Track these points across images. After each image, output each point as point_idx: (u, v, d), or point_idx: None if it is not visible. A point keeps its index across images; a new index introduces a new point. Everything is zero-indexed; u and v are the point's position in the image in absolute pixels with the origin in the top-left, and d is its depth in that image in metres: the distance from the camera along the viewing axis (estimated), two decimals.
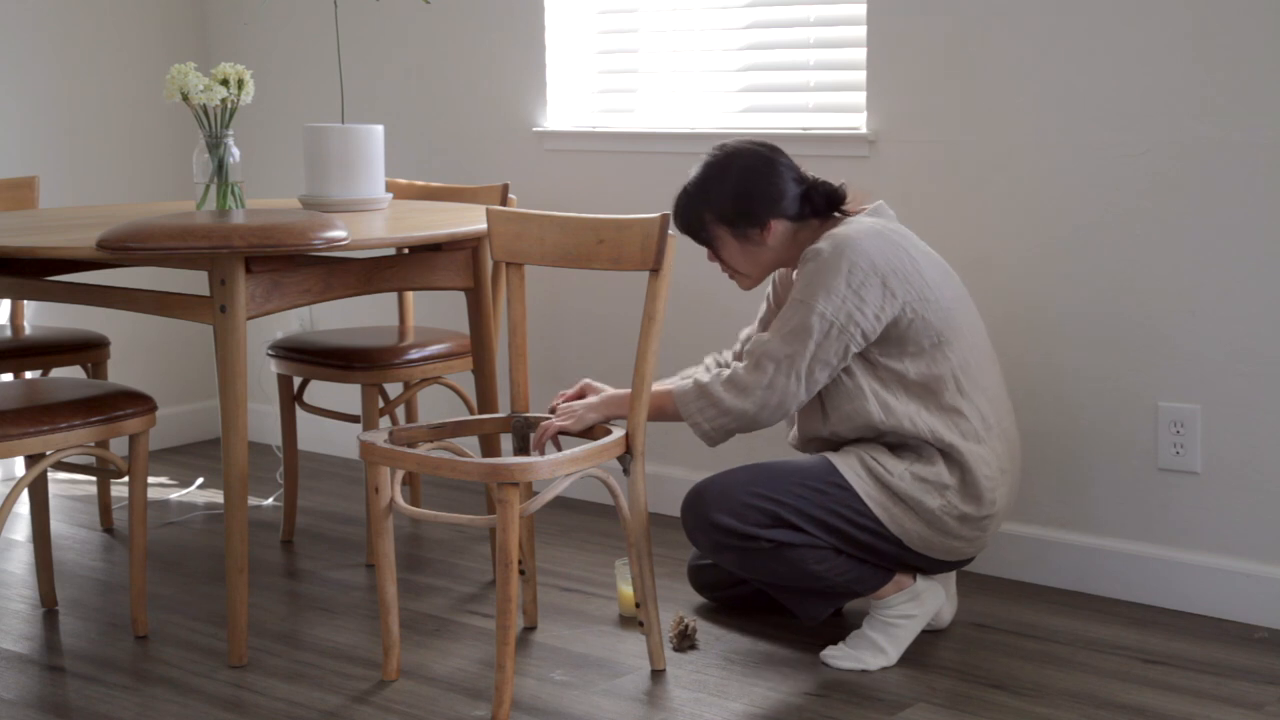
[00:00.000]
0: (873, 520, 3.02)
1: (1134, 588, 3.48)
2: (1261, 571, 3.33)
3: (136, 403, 3.29)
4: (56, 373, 4.06)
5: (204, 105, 3.56)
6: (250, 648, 3.23)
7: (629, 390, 3.07)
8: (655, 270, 2.98)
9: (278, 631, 3.38)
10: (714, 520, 3.03)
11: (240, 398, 3.12)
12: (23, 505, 4.25)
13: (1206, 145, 3.31)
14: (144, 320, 4.17)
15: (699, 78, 4.16)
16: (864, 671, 3.08)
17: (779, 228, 3.14)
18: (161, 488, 4.58)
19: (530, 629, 3.35)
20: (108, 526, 4.18)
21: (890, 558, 3.07)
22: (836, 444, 3.12)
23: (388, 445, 2.98)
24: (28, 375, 4.01)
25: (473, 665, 3.17)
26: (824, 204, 3.15)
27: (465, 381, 4.06)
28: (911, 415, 3.03)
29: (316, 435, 4.83)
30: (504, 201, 3.89)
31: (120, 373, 4.40)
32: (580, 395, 3.22)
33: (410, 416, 4.12)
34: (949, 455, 3.03)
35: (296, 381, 4.03)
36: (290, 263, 3.21)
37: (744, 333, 3.41)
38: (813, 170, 3.24)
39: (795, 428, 3.25)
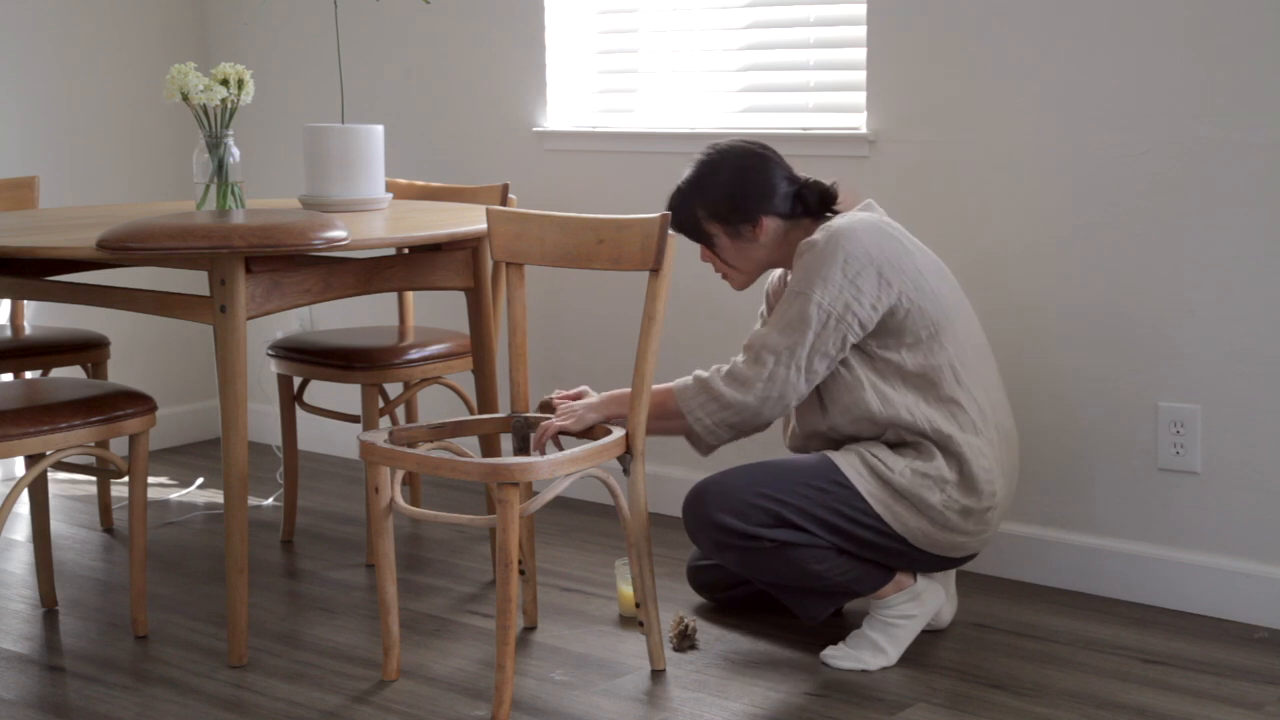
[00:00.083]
0: (875, 518, 3.02)
1: (1134, 588, 3.48)
2: (1261, 571, 3.33)
3: (136, 403, 3.29)
4: (56, 373, 4.06)
5: (204, 105, 3.56)
6: (250, 648, 3.23)
7: (629, 390, 3.07)
8: (655, 270, 2.98)
9: (278, 631, 3.38)
10: (716, 520, 3.03)
11: (240, 398, 3.12)
12: (23, 505, 4.25)
13: (1206, 145, 3.31)
14: (144, 320, 4.17)
15: (699, 78, 4.16)
16: (864, 671, 3.08)
17: (771, 225, 3.16)
18: (161, 488, 4.58)
19: (530, 629, 3.35)
20: (108, 526, 4.18)
21: (894, 554, 3.07)
22: (837, 439, 3.12)
23: (388, 445, 2.98)
24: (28, 375, 4.01)
25: (473, 665, 3.17)
26: (816, 203, 3.17)
27: (465, 381, 4.06)
28: (909, 406, 3.04)
29: (316, 435, 4.83)
30: (504, 201, 3.89)
31: (120, 373, 4.40)
32: (578, 397, 3.22)
33: (410, 416, 4.12)
34: (946, 448, 3.03)
35: (296, 381, 4.03)
36: (290, 263, 3.21)
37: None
38: (812, 170, 3.25)
39: (792, 426, 3.26)
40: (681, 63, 4.19)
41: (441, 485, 4.45)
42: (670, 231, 3.01)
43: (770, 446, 3.55)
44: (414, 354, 3.84)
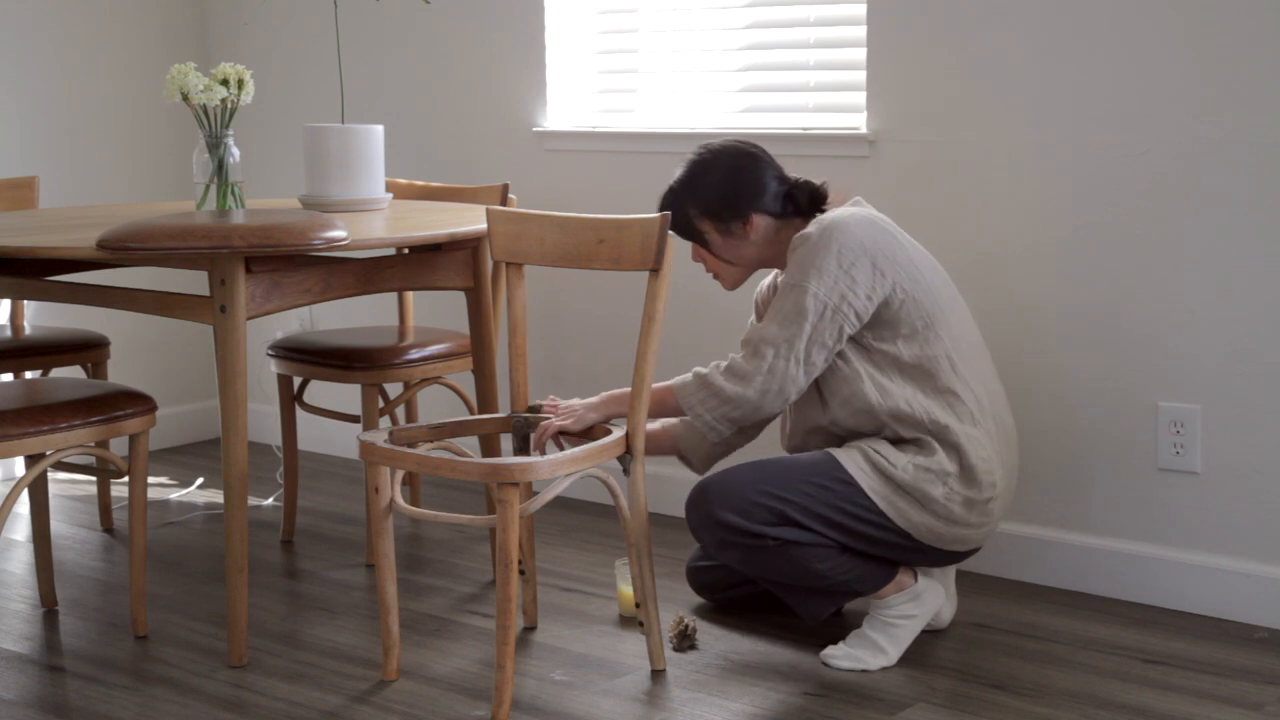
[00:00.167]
0: (879, 515, 3.02)
1: (1134, 588, 3.48)
2: (1261, 571, 3.33)
3: (136, 403, 3.29)
4: (56, 373, 4.05)
5: (204, 105, 3.56)
6: (250, 648, 3.23)
7: (629, 389, 3.07)
8: (655, 270, 2.98)
9: (278, 631, 3.38)
10: (719, 518, 3.03)
11: (240, 398, 3.12)
12: (23, 505, 4.25)
13: (1206, 145, 3.31)
14: (144, 320, 4.17)
15: (699, 78, 4.16)
16: (864, 671, 3.08)
17: (762, 223, 3.18)
18: (161, 488, 4.58)
19: (530, 629, 3.35)
20: (108, 526, 4.18)
21: (899, 549, 3.07)
22: (839, 434, 3.13)
23: (388, 445, 2.98)
24: (28, 375, 4.01)
25: (473, 665, 3.17)
26: (806, 202, 3.20)
27: (465, 381, 4.06)
28: (908, 397, 3.05)
29: (316, 435, 4.83)
30: (504, 201, 3.89)
31: (120, 373, 4.40)
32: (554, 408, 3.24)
33: (410, 416, 4.12)
34: (945, 440, 3.03)
35: (296, 381, 4.03)
36: (290, 263, 3.21)
37: None
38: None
39: (789, 427, 3.26)
40: (681, 63, 4.19)
41: (441, 485, 4.45)
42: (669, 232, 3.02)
43: (771, 446, 3.55)
44: (414, 354, 3.84)
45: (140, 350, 4.88)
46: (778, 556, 3.03)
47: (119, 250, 3.00)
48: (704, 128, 4.06)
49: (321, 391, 4.53)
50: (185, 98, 3.52)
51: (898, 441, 3.07)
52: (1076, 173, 3.48)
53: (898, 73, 3.71)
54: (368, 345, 3.85)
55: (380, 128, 3.73)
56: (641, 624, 3.11)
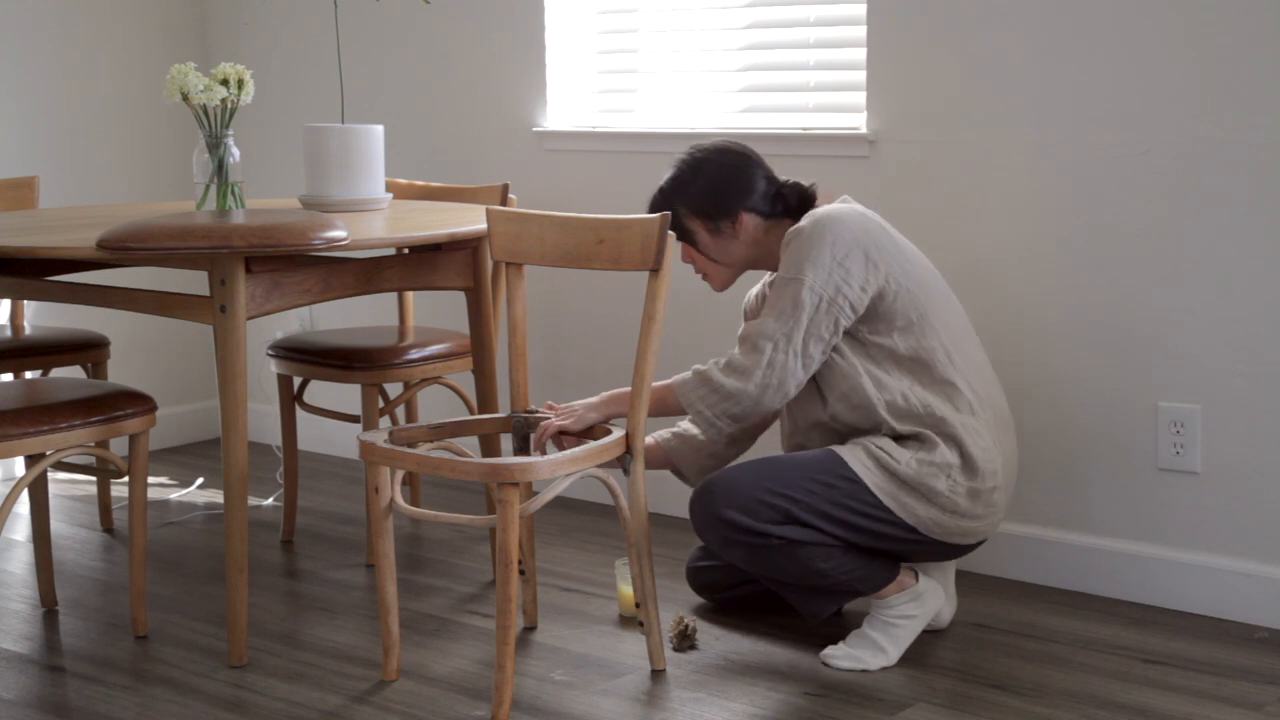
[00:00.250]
0: (884, 511, 3.03)
1: (1134, 588, 3.48)
2: (1261, 571, 3.33)
3: (136, 403, 3.29)
4: (56, 373, 4.06)
5: (204, 105, 3.56)
6: (250, 648, 3.23)
7: (629, 389, 3.07)
8: (655, 270, 2.98)
9: (278, 631, 3.38)
10: (724, 516, 3.03)
11: (240, 398, 3.12)
12: (23, 505, 4.25)
13: (1206, 145, 3.31)
14: (144, 320, 4.17)
15: (699, 78, 4.16)
16: (864, 671, 3.08)
17: (750, 222, 3.20)
18: (161, 488, 4.58)
19: (530, 629, 3.35)
20: (108, 526, 4.18)
21: (905, 544, 3.07)
22: (839, 430, 3.13)
23: (388, 445, 2.98)
24: (28, 375, 4.01)
25: (473, 665, 3.17)
26: (796, 203, 3.22)
27: (465, 381, 4.06)
28: (905, 391, 3.06)
29: (316, 435, 4.83)
30: (504, 201, 3.89)
31: (120, 373, 4.40)
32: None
33: (410, 416, 4.12)
34: (943, 432, 3.04)
35: (296, 381, 4.03)
36: (290, 263, 3.21)
37: None
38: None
39: (788, 428, 3.26)
40: (681, 63, 4.19)
41: (441, 485, 4.45)
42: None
43: (772, 447, 3.55)
44: (414, 354, 3.84)
45: (140, 350, 4.88)
46: (782, 555, 3.03)
47: (119, 250, 3.00)
48: (704, 128, 4.06)
49: (321, 391, 4.53)
50: (185, 98, 3.52)
51: (898, 438, 3.07)
52: (1076, 173, 3.48)
53: (898, 73, 3.71)
54: (368, 345, 3.85)
55: (380, 128, 3.73)
56: (641, 624, 3.11)
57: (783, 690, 3.02)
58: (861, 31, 3.79)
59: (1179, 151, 3.34)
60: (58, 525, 4.12)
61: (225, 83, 3.54)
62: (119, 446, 4.39)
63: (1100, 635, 3.28)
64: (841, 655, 3.11)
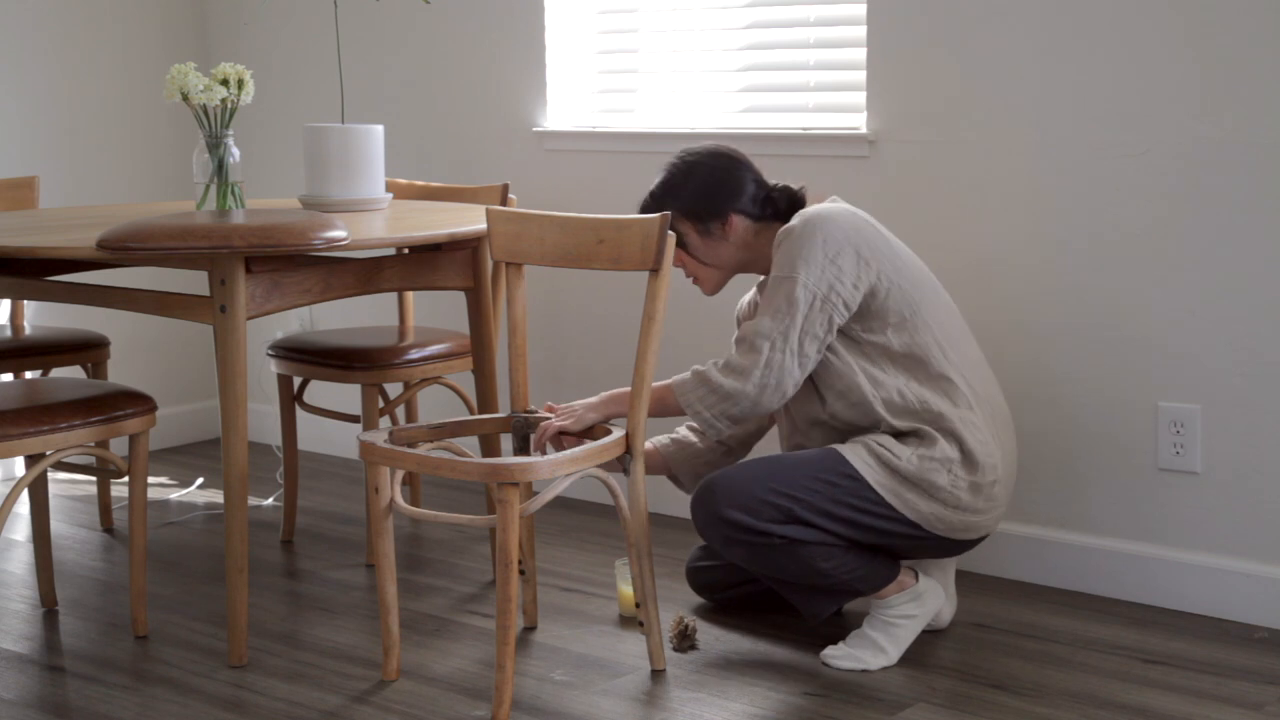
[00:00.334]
0: (886, 507, 3.03)
1: (1134, 588, 3.48)
2: (1261, 571, 3.33)
3: (136, 403, 3.29)
4: (56, 373, 4.05)
5: (204, 105, 3.56)
6: (250, 648, 3.23)
7: (628, 389, 3.07)
8: (655, 270, 2.98)
9: (278, 631, 3.38)
10: (726, 515, 3.03)
11: (240, 398, 3.12)
12: (23, 505, 4.25)
13: (1206, 145, 3.31)
14: (144, 320, 4.17)
15: (699, 78, 4.16)
16: (864, 671, 3.08)
17: (740, 223, 3.21)
18: (161, 488, 4.58)
19: (530, 629, 3.35)
20: (108, 526, 4.18)
21: (909, 540, 3.07)
22: (839, 428, 3.13)
23: (388, 445, 2.98)
24: (28, 375, 4.01)
25: (473, 665, 3.17)
26: (785, 206, 3.23)
27: (465, 381, 4.06)
28: (900, 387, 3.06)
29: (316, 435, 4.83)
30: (504, 201, 3.89)
31: (120, 373, 4.40)
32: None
33: (410, 416, 4.12)
34: (941, 427, 3.05)
35: (296, 381, 4.03)
36: (290, 263, 3.21)
37: None
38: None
39: (786, 430, 3.26)
40: (681, 63, 4.19)
41: (441, 485, 4.45)
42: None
43: (773, 446, 3.55)
44: (414, 354, 3.84)
45: (140, 350, 4.88)
46: (784, 555, 3.03)
47: (119, 250, 3.00)
48: (704, 128, 4.06)
49: (321, 391, 4.53)
50: (185, 98, 3.52)
51: (898, 435, 3.08)
52: (1076, 173, 3.48)
53: (898, 73, 3.71)
54: (368, 345, 3.86)
55: (380, 128, 3.73)
56: (641, 624, 3.11)
57: (783, 690, 3.02)
58: (861, 31, 3.79)
59: (1179, 151, 3.34)
60: (58, 525, 4.12)
61: (225, 83, 3.54)
62: (119, 446, 4.39)
63: (1100, 635, 3.28)
64: (841, 655, 3.11)
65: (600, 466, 3.01)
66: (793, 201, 3.23)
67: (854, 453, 3.06)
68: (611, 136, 4.25)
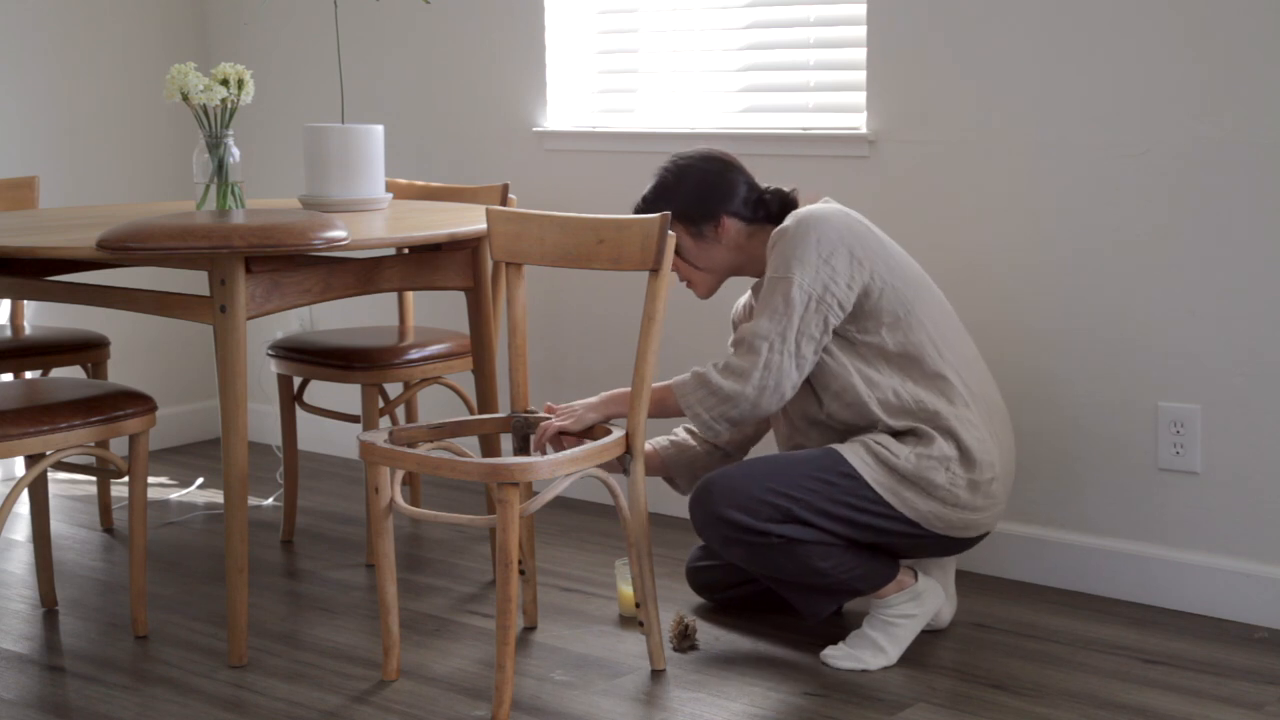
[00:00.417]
0: (884, 506, 3.03)
1: (1134, 588, 3.48)
2: (1261, 571, 3.33)
3: (136, 403, 3.29)
4: (56, 373, 4.06)
5: (204, 105, 3.56)
6: (250, 648, 3.23)
7: (628, 389, 3.07)
8: (655, 270, 2.98)
9: (278, 631, 3.38)
10: (724, 515, 3.03)
11: (240, 398, 3.12)
12: (23, 505, 4.25)
13: (1206, 145, 3.31)
14: (144, 320, 4.17)
15: (699, 78, 4.16)
16: (864, 671, 3.08)
17: (732, 226, 3.22)
18: (161, 488, 4.58)
19: (530, 629, 3.35)
20: (108, 526, 4.18)
21: (908, 538, 3.07)
22: (837, 428, 3.13)
23: (388, 445, 2.98)
24: (28, 375, 4.01)
25: (473, 665, 3.17)
26: (777, 208, 3.24)
27: (465, 381, 4.06)
28: (895, 387, 3.07)
29: (316, 435, 4.83)
30: (504, 201, 3.89)
31: (120, 373, 4.40)
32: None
33: (410, 416, 4.12)
34: (939, 426, 3.05)
35: (296, 381, 4.03)
36: (290, 263, 3.21)
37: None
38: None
39: (786, 426, 3.26)
40: (681, 63, 4.19)
41: (441, 485, 4.45)
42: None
43: (772, 446, 3.55)
44: (414, 354, 3.84)
45: (140, 350, 4.88)
46: (782, 554, 3.03)
47: (119, 250, 3.00)
48: (704, 128, 4.06)
49: (321, 391, 4.53)
50: (185, 98, 3.52)
51: (896, 435, 3.08)
52: (1076, 173, 3.48)
53: (898, 73, 3.71)
54: (368, 345, 3.86)
55: (380, 128, 3.74)
56: (641, 624, 3.11)
57: (783, 690, 3.02)
58: (861, 31, 3.79)
59: (1179, 151, 3.34)
60: (58, 525, 4.12)
61: (225, 83, 3.54)
62: (119, 446, 4.39)
63: (1100, 635, 3.28)
64: (841, 655, 3.11)
65: (600, 466, 3.01)
66: (785, 204, 3.24)
67: (852, 452, 3.06)
68: (611, 136, 4.25)
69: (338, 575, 3.78)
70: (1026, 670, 3.10)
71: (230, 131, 3.62)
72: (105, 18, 4.88)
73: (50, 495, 3.79)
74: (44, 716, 2.96)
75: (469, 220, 3.44)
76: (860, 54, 3.79)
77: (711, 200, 3.22)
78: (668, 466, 3.40)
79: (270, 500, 4.40)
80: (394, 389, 4.19)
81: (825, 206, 3.15)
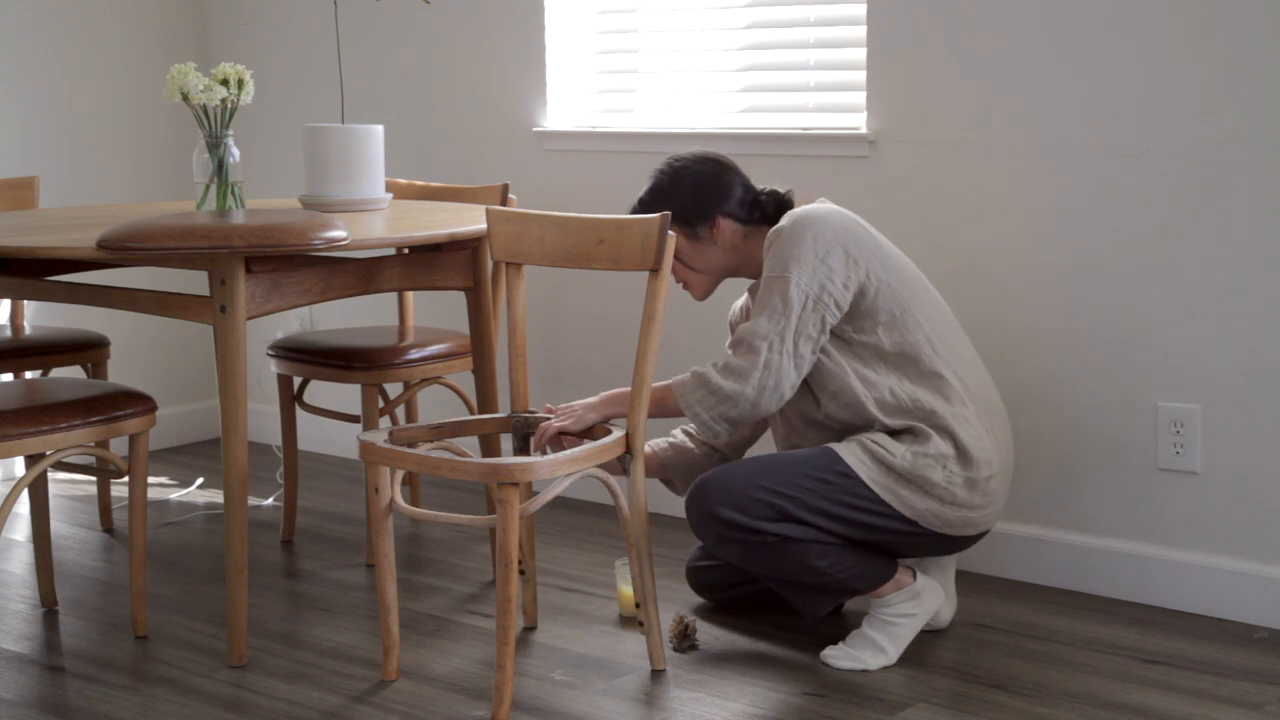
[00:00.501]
0: (880, 505, 3.03)
1: (1134, 588, 3.48)
2: (1261, 571, 3.33)
3: (136, 403, 3.29)
4: (56, 373, 4.06)
5: (204, 105, 3.56)
6: (250, 648, 3.23)
7: (628, 389, 3.07)
8: (655, 270, 2.98)
9: (278, 631, 3.38)
10: (718, 514, 3.04)
11: (240, 398, 3.12)
12: (23, 505, 4.25)
13: (1206, 145, 3.31)
14: (144, 320, 4.17)
15: (699, 78, 4.16)
16: (864, 671, 3.08)
17: (728, 227, 3.22)
18: (161, 488, 4.58)
19: (530, 629, 3.35)
20: (108, 526, 4.18)
21: (906, 537, 3.07)
22: (835, 427, 3.14)
23: (388, 445, 2.98)
24: (28, 375, 4.01)
25: (473, 665, 3.17)
26: (773, 210, 3.24)
27: (465, 381, 4.06)
28: (892, 386, 3.07)
29: (316, 435, 4.83)
30: (504, 201, 3.89)
31: (120, 373, 4.40)
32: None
33: (410, 416, 4.12)
34: (936, 425, 3.05)
35: (296, 381, 4.03)
36: (290, 263, 3.21)
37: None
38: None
39: (784, 427, 3.26)
40: (681, 63, 4.19)
41: (441, 485, 4.45)
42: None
43: (771, 446, 3.55)
44: (414, 354, 3.84)
45: (140, 350, 4.88)
46: (777, 553, 3.04)
47: (119, 250, 3.00)
48: (704, 128, 4.06)
49: (321, 391, 4.53)
50: (185, 98, 3.52)
51: (893, 434, 3.08)
52: (1076, 172, 3.48)
53: (898, 73, 3.71)
54: (368, 345, 3.86)
55: (380, 128, 3.74)
56: (641, 624, 3.11)
57: (783, 690, 3.02)
58: (861, 31, 3.79)
59: (1179, 151, 3.34)
60: (58, 525, 4.12)
61: (225, 83, 3.54)
62: (119, 446, 4.39)
63: (1100, 635, 3.28)
64: (841, 655, 3.11)
65: (600, 466, 3.01)
66: (780, 205, 3.24)
67: (848, 450, 3.06)
68: (611, 136, 4.25)
69: (338, 575, 3.78)
70: (1026, 670, 3.10)
71: (230, 131, 3.62)
72: (105, 18, 4.88)
73: (50, 495, 3.79)
74: (44, 716, 2.96)
75: (469, 220, 3.44)
76: (860, 54, 3.79)
77: (707, 202, 3.22)
78: (665, 468, 3.40)
79: (270, 500, 4.40)
80: (394, 389, 4.19)
81: (821, 206, 3.16)
